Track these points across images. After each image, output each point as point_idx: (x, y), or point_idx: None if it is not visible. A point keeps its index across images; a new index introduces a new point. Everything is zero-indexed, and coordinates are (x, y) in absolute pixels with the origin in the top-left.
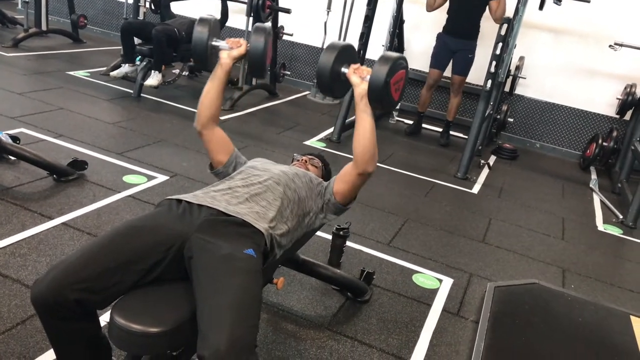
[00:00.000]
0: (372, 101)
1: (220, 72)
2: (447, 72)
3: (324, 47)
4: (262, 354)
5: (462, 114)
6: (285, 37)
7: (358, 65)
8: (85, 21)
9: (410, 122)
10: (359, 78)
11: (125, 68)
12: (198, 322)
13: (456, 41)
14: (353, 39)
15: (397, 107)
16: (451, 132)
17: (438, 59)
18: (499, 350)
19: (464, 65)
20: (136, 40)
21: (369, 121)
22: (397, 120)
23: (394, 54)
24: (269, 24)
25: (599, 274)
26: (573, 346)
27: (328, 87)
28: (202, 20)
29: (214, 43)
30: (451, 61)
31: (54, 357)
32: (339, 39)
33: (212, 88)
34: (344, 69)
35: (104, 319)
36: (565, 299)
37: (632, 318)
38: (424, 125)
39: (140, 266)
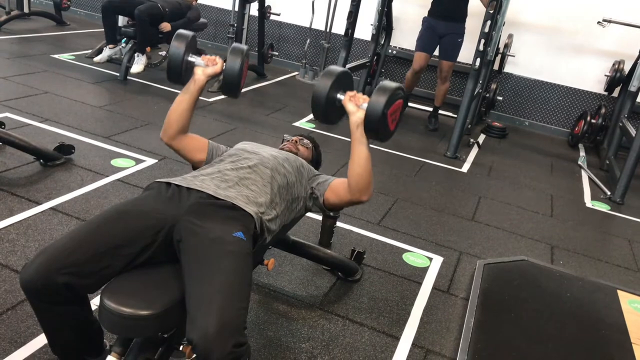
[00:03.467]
0: (368, 131)
1: (194, 87)
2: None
3: (320, 76)
4: (254, 335)
5: (451, 93)
6: (272, 17)
7: (354, 92)
8: (69, 2)
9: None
10: (355, 106)
11: (107, 51)
12: (187, 305)
13: (443, 24)
14: (341, 18)
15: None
16: (440, 112)
17: (424, 41)
18: (489, 326)
19: (453, 49)
20: (121, 21)
21: (364, 151)
22: None
23: (392, 84)
24: (245, 46)
25: (587, 250)
26: (561, 321)
27: (323, 113)
28: (180, 35)
29: (189, 59)
30: (438, 46)
31: (46, 341)
32: (327, 18)
33: (183, 101)
34: (340, 96)
35: (95, 302)
36: (553, 275)
37: (619, 292)
38: (413, 105)
39: (129, 250)
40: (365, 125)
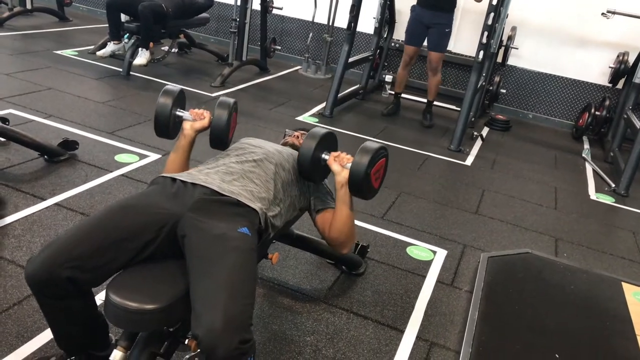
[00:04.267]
0: (352, 190)
1: (184, 142)
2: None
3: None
4: (259, 328)
5: (455, 85)
6: (274, 11)
7: (338, 153)
8: None
9: (405, 95)
10: (339, 166)
11: (111, 46)
12: (192, 301)
13: (430, 14)
14: (344, 12)
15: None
16: (444, 105)
17: (412, 34)
18: (493, 319)
19: (440, 40)
20: (124, 17)
21: (346, 210)
22: (390, 94)
23: (375, 145)
24: (232, 99)
25: (591, 242)
26: (566, 313)
27: (309, 173)
28: (166, 91)
29: (177, 113)
30: (427, 37)
31: (52, 336)
32: (330, 11)
33: (176, 158)
34: (324, 156)
35: (100, 297)
36: (557, 268)
37: (624, 284)
38: (413, 98)
39: (132, 244)
40: (349, 184)
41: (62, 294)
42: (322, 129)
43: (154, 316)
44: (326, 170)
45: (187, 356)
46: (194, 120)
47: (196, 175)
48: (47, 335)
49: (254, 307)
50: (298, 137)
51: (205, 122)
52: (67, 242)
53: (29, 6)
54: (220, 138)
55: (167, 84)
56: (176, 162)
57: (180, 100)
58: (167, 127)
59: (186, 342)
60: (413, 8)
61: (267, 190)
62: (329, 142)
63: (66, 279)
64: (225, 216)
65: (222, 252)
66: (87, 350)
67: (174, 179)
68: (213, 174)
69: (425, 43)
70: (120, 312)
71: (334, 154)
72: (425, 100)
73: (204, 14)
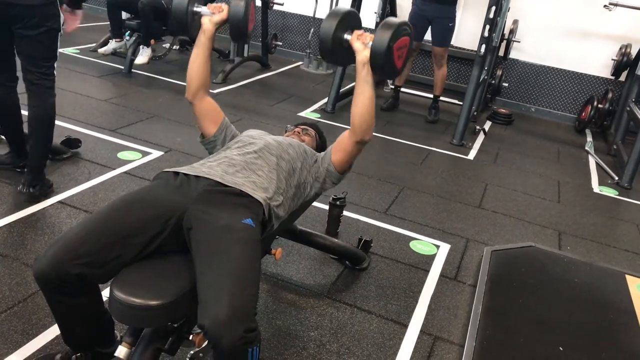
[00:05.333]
0: (375, 67)
1: (204, 38)
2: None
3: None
4: (263, 324)
5: (457, 79)
6: (275, 7)
7: (362, 31)
8: None
9: (407, 90)
10: (362, 44)
11: (113, 44)
12: (198, 292)
13: (433, 7)
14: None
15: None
16: (446, 99)
17: (414, 30)
18: (497, 312)
19: (444, 35)
20: (125, 15)
21: (369, 90)
22: (391, 88)
23: (398, 20)
24: None
25: (594, 235)
26: (570, 306)
27: (330, 54)
28: None
29: (195, 9)
30: (430, 31)
31: (57, 333)
32: (330, 6)
33: (197, 55)
34: (346, 36)
35: (105, 293)
36: (561, 261)
37: (627, 277)
38: (415, 93)
39: (139, 239)
40: (371, 60)
41: (70, 291)
42: (343, 7)
43: (158, 312)
44: (349, 51)
45: (192, 352)
46: (212, 14)
47: (199, 168)
48: (52, 333)
49: (258, 297)
50: (299, 132)
51: (224, 14)
52: (74, 240)
53: None
54: (239, 29)
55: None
56: (198, 59)
57: None
58: (186, 23)
59: (190, 338)
60: (415, 2)
61: (270, 180)
62: (351, 21)
63: (75, 275)
64: (230, 207)
65: (227, 243)
66: (93, 347)
67: (176, 173)
68: (216, 167)
69: (428, 37)
70: (124, 308)
71: (357, 32)
72: (427, 96)
73: None
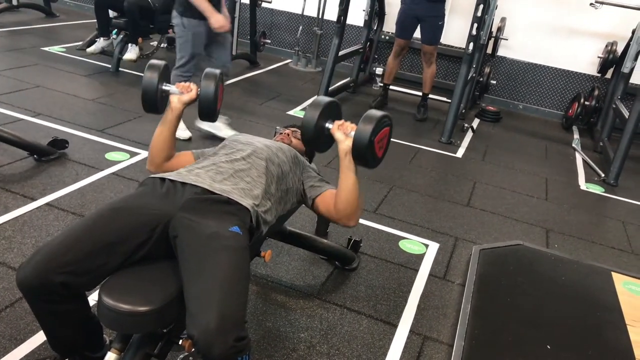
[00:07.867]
0: (356, 159)
1: (171, 116)
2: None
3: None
4: (253, 326)
5: (445, 77)
6: (264, 5)
7: (342, 121)
8: None
9: (396, 88)
10: (343, 134)
11: (101, 42)
12: (186, 302)
13: (422, 5)
14: (333, 4)
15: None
16: (434, 97)
17: (403, 27)
18: (486, 311)
19: (434, 33)
20: (112, 13)
21: (352, 178)
22: (380, 86)
23: (379, 113)
24: (217, 70)
25: (581, 233)
26: (557, 304)
27: (313, 142)
28: (152, 66)
29: (164, 87)
30: (419, 29)
31: (45, 338)
32: (319, 4)
33: (162, 132)
34: (328, 125)
35: (93, 298)
36: (549, 259)
37: (613, 274)
38: (404, 90)
39: (124, 247)
40: (353, 152)
41: (55, 299)
42: (325, 97)
43: (147, 318)
44: (330, 139)
45: (182, 356)
46: (181, 93)
47: (186, 175)
48: (40, 338)
49: (247, 306)
50: (289, 134)
51: (192, 94)
52: (59, 247)
53: (14, 2)
54: (208, 109)
55: None
56: (163, 135)
57: (166, 74)
58: (155, 101)
59: (180, 343)
60: (404, 0)
61: (258, 185)
62: (332, 111)
63: (59, 283)
64: (217, 215)
65: (214, 251)
66: (81, 352)
67: (163, 179)
68: (203, 174)
69: (417, 35)
70: (113, 314)
71: (337, 122)
72: (416, 93)
73: None
